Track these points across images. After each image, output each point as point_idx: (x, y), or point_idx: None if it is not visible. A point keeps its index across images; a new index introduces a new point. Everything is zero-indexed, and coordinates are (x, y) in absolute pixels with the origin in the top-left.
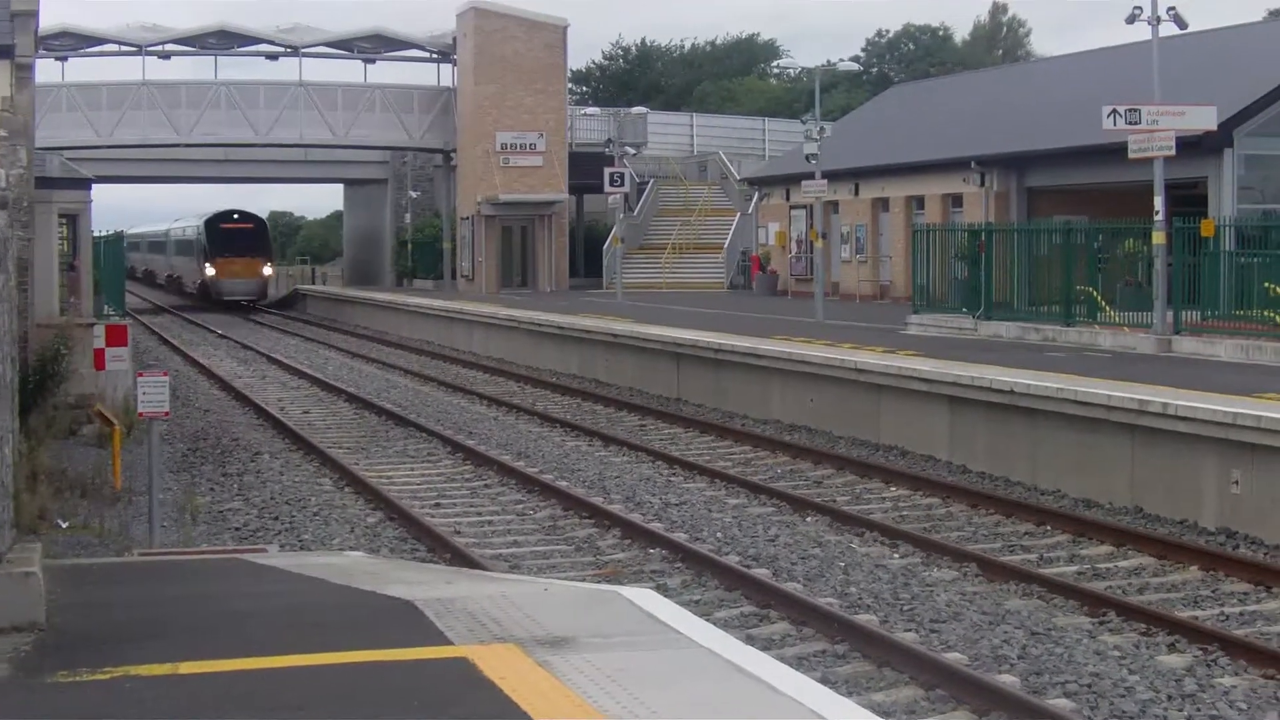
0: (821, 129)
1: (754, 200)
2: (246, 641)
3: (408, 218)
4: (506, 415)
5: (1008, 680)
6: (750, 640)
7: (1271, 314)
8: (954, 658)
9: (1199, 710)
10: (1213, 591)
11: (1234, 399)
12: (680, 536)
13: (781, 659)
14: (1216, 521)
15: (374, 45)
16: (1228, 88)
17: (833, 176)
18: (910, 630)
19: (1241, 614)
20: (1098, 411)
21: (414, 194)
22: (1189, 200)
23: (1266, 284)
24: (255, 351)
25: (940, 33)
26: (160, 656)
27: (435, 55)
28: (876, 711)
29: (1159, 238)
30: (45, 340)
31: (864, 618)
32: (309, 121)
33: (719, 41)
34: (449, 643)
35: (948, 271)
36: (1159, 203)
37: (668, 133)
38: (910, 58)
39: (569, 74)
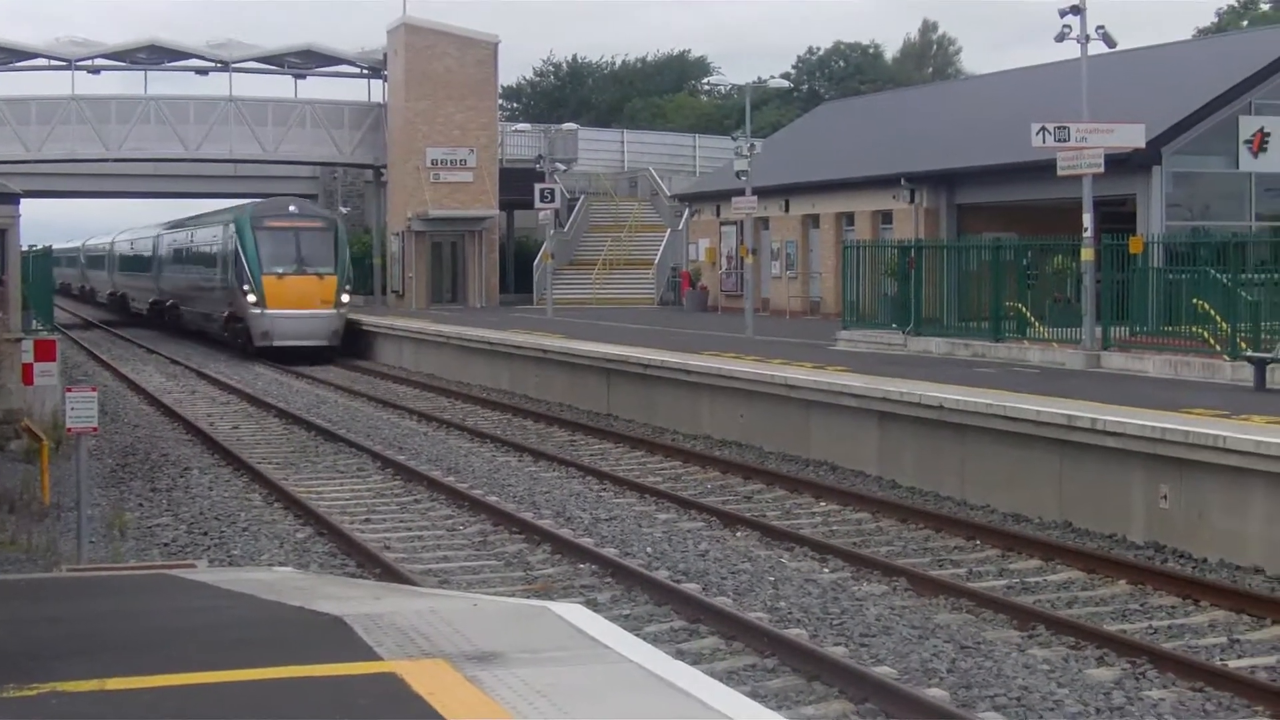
0: (752, 146)
1: (684, 216)
2: (175, 658)
3: None
4: (437, 430)
5: (937, 694)
6: (680, 655)
7: (1199, 330)
8: (884, 671)
9: None
10: (1141, 605)
11: (1162, 414)
12: (610, 551)
13: (712, 674)
14: (1145, 536)
15: (305, 61)
16: (1157, 106)
17: (763, 193)
18: (840, 644)
19: (1170, 627)
20: (1026, 427)
21: (344, 209)
22: (1118, 217)
23: (1195, 300)
24: (184, 367)
25: (870, 50)
26: (88, 673)
27: (366, 71)
28: None
29: (1088, 254)
30: None
31: (794, 632)
32: (239, 137)
33: (650, 58)
34: (378, 658)
35: (878, 287)
36: (1088, 220)
37: (598, 149)
38: (840, 75)
39: (500, 90)
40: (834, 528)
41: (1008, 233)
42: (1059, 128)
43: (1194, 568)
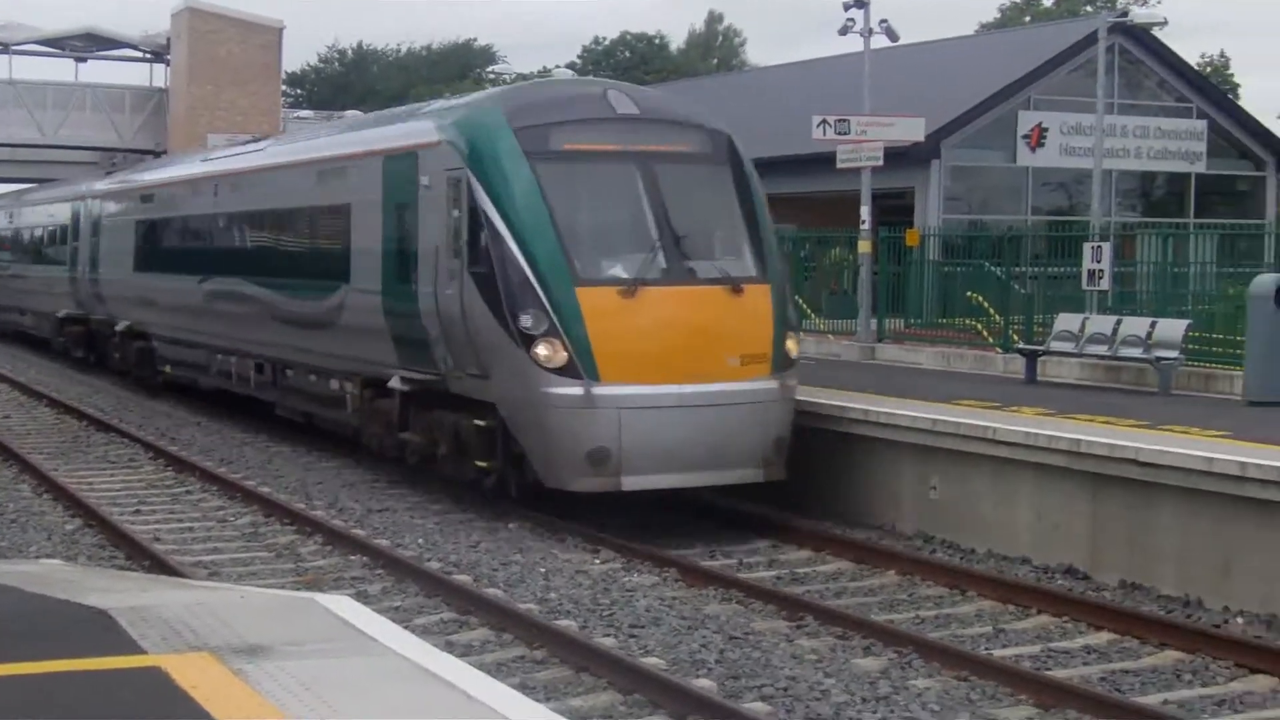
0: None
1: None
2: None
3: None
4: (211, 421)
5: (705, 684)
6: (450, 646)
7: (973, 322)
8: (652, 662)
9: (893, 712)
10: (909, 595)
11: (933, 405)
12: (382, 543)
13: (481, 665)
14: (915, 526)
15: (86, 44)
16: (937, 100)
17: None
18: (609, 635)
19: (937, 617)
20: (799, 418)
21: None
22: (897, 210)
23: (969, 293)
24: None
25: (656, 41)
26: None
27: (149, 55)
28: (574, 716)
29: (865, 246)
30: None
31: (564, 623)
32: (17, 120)
33: (435, 46)
34: (143, 652)
35: None
36: (865, 212)
37: None
38: (626, 65)
39: (284, 76)
40: (605, 519)
41: (787, 225)
42: (839, 120)
43: (962, 558)
